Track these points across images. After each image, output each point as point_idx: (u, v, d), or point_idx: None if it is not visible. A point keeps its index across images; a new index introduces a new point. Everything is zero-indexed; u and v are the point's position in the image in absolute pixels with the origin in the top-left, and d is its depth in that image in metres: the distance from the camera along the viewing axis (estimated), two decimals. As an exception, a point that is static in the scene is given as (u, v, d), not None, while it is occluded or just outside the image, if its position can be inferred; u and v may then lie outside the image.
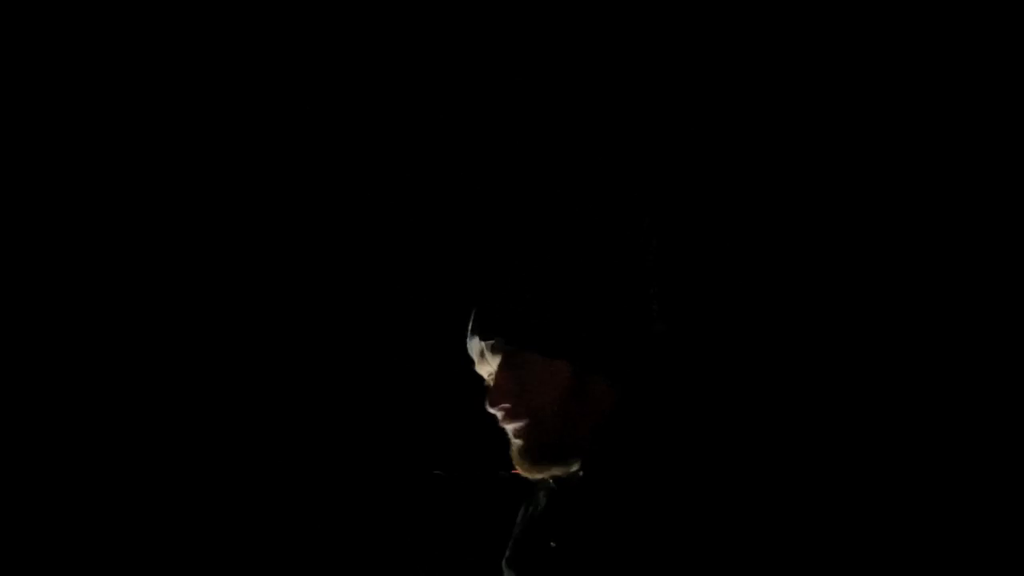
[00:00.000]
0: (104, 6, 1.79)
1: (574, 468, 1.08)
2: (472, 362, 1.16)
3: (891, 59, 1.51)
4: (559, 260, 1.14)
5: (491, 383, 1.10)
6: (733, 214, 1.57)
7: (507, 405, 1.06)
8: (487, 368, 1.11)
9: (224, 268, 1.90)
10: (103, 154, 1.86)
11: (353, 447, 1.83)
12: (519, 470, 1.10)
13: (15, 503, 1.80)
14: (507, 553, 1.14)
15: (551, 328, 1.06)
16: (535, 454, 1.06)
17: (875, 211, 1.50)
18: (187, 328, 1.88)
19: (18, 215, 1.83)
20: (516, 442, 1.08)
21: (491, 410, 1.08)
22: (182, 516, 1.81)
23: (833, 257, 1.51)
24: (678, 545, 0.93)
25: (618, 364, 1.08)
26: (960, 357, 1.42)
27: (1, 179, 1.83)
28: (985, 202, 1.45)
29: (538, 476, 1.10)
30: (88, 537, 1.80)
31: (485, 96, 1.79)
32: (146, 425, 1.84)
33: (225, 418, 1.85)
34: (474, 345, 1.12)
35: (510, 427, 1.08)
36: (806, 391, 1.44)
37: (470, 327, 1.13)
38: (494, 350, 1.08)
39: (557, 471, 1.08)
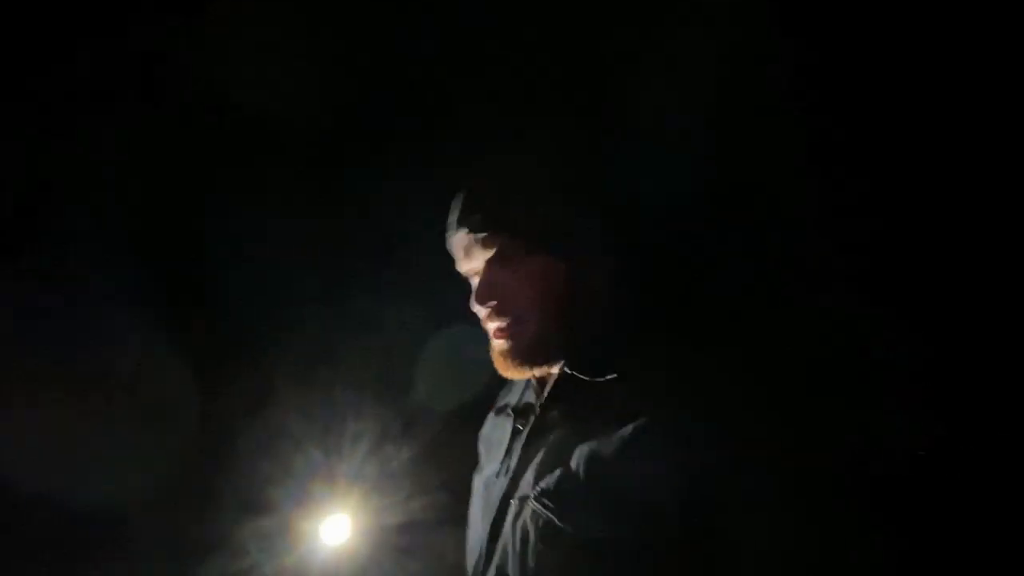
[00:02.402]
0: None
1: (554, 368, 1.09)
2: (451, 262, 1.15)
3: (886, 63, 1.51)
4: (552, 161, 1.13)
5: (475, 280, 1.09)
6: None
7: (493, 303, 1.06)
8: (471, 264, 1.10)
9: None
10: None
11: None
12: (501, 370, 1.11)
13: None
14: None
15: (544, 223, 1.05)
16: (520, 353, 1.07)
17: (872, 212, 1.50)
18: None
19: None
20: (500, 343, 1.08)
21: (477, 308, 1.08)
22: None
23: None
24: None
25: (604, 260, 1.08)
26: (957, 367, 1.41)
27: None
28: (981, 208, 1.45)
29: (519, 376, 1.12)
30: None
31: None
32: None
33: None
34: (458, 239, 1.10)
35: (494, 325, 1.08)
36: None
37: (455, 219, 1.10)
38: (485, 244, 1.06)
39: (538, 371, 1.10)
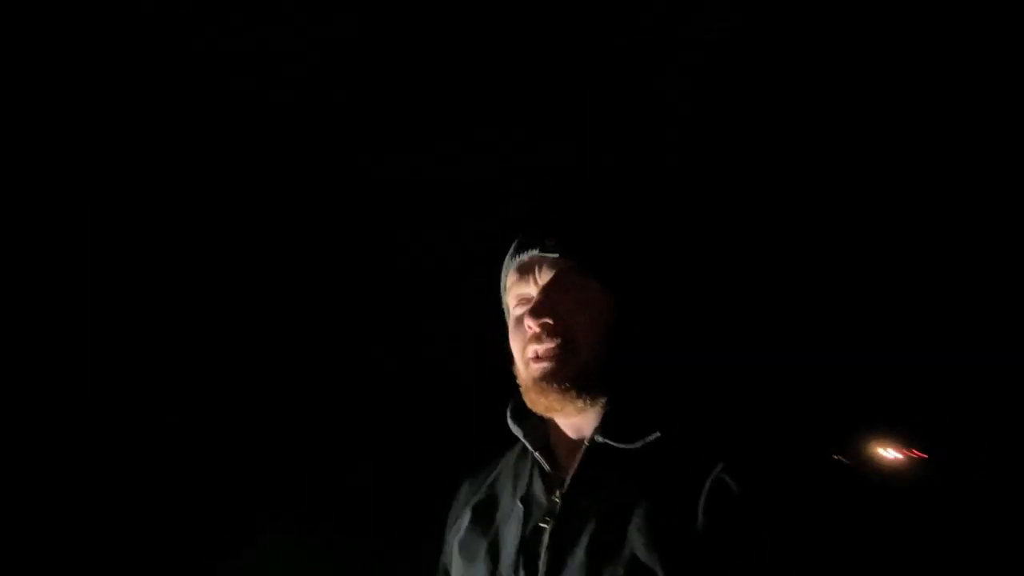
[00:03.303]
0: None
1: (589, 405, 1.00)
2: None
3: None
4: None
5: (528, 306, 1.03)
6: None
7: (548, 321, 1.01)
8: (527, 288, 1.06)
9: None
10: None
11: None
12: (533, 400, 1.03)
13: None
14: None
15: (608, 252, 1.04)
16: (566, 377, 0.99)
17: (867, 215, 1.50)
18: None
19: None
20: (543, 365, 1.01)
21: (531, 323, 1.02)
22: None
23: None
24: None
25: (651, 298, 1.06)
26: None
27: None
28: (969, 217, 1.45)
29: (547, 405, 1.01)
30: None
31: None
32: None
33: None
34: (525, 259, 1.06)
35: (542, 346, 1.02)
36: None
37: (521, 244, 1.08)
38: (553, 264, 1.03)
39: (571, 404, 1.00)
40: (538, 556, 0.95)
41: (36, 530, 1.77)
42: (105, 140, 1.86)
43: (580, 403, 1.00)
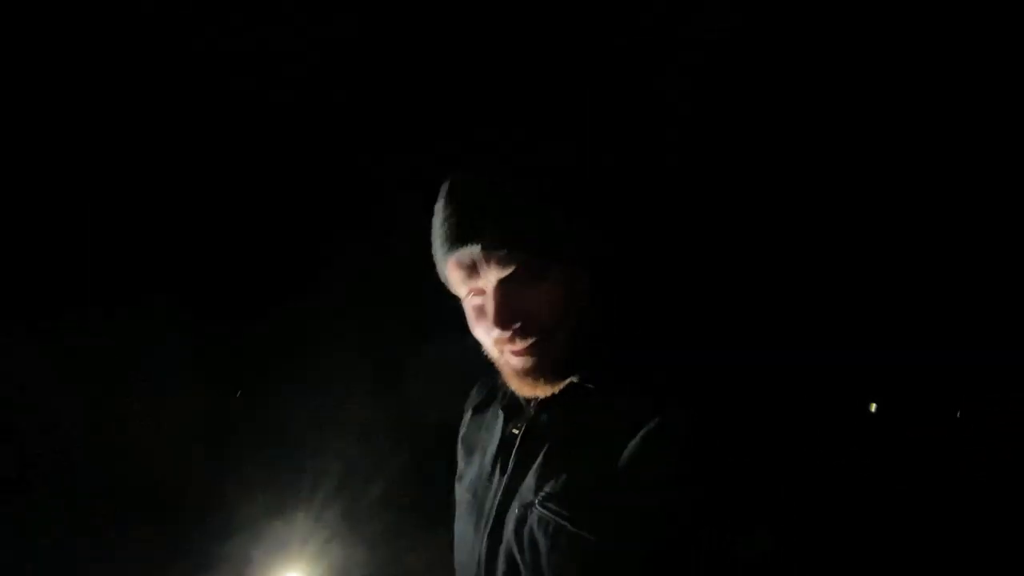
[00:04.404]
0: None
1: (571, 380, 0.99)
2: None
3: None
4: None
5: (484, 301, 0.97)
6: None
7: (518, 324, 0.94)
8: (475, 283, 0.97)
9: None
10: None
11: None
12: (520, 388, 1.01)
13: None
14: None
15: (562, 233, 0.95)
16: (548, 369, 0.97)
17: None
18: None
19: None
20: (521, 360, 0.97)
21: (497, 332, 0.95)
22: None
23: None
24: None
25: (617, 266, 1.00)
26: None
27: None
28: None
29: (541, 394, 1.00)
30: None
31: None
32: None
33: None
34: (462, 256, 0.96)
35: (517, 346, 0.96)
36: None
37: (458, 234, 0.96)
38: (501, 261, 0.93)
39: (557, 386, 0.99)
40: (509, 455, 1.04)
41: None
42: (105, 140, 1.86)
43: (554, 388, 1.00)
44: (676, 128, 1.51)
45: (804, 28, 1.55)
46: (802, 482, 0.89)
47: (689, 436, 0.89)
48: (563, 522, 0.92)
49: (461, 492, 1.14)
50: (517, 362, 0.99)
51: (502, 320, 0.95)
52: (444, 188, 1.00)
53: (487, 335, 1.00)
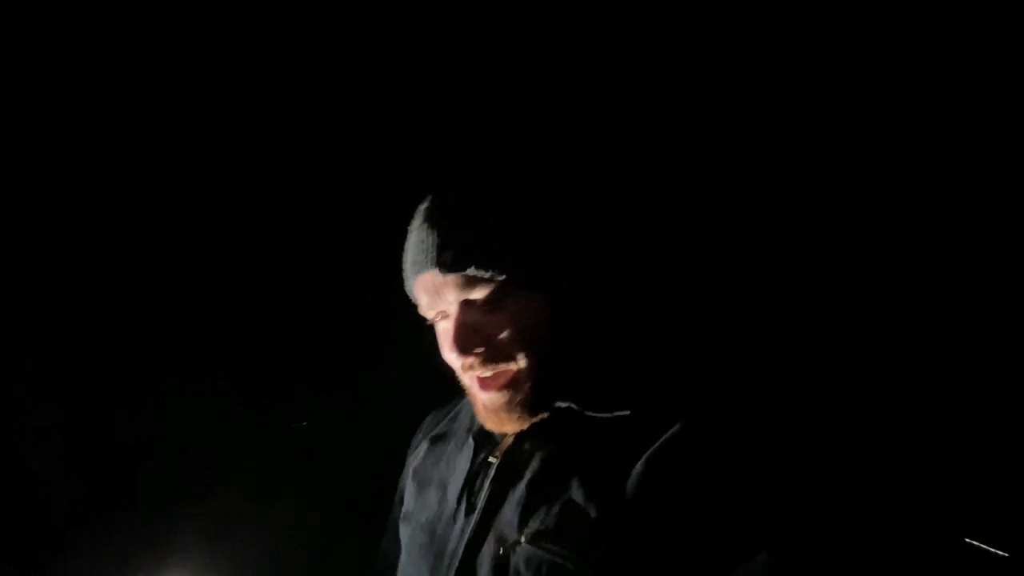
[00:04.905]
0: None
1: (545, 415, 0.95)
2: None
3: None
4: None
5: (449, 325, 0.93)
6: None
7: (480, 349, 0.91)
8: (439, 307, 0.94)
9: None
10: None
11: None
12: (494, 425, 0.97)
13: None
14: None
15: (525, 257, 0.91)
16: (524, 403, 0.92)
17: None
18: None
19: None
20: (493, 395, 0.93)
21: (455, 357, 0.93)
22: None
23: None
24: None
25: (587, 290, 0.95)
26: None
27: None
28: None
29: (505, 428, 0.96)
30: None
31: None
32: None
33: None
34: (424, 281, 0.94)
35: (479, 374, 0.93)
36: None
37: (420, 258, 0.94)
38: (460, 284, 0.90)
39: (527, 422, 0.95)
40: (482, 488, 0.96)
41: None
42: (104, 139, 1.86)
43: (543, 414, 0.96)
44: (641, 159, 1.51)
45: (804, 27, 1.55)
46: (803, 501, 0.85)
47: (696, 459, 0.86)
48: (560, 561, 0.85)
49: (411, 532, 1.05)
50: (486, 397, 0.96)
51: (461, 344, 0.92)
52: (417, 211, 0.99)
53: (452, 359, 0.97)
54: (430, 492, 1.06)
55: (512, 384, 0.93)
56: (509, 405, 0.94)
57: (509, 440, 0.99)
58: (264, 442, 1.77)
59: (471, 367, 0.94)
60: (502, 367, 0.93)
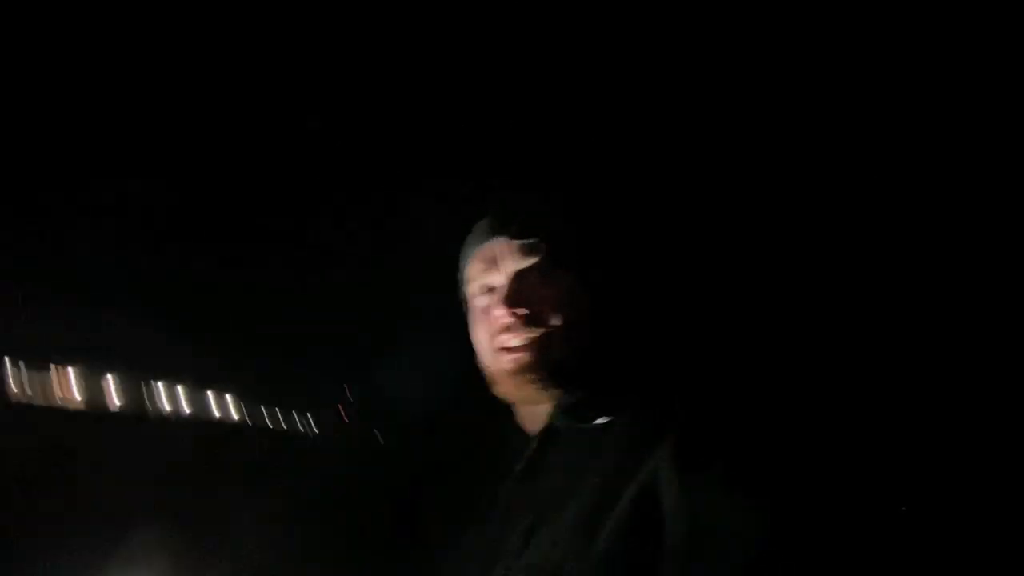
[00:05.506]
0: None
1: (566, 397, 0.98)
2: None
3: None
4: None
5: (499, 291, 0.99)
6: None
7: (524, 311, 0.96)
8: (493, 277, 1.01)
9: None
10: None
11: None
12: (509, 390, 1.00)
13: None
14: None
15: (581, 240, 1.00)
16: (545, 367, 0.96)
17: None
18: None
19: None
20: (519, 356, 0.97)
21: (502, 313, 0.97)
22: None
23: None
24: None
25: (627, 287, 1.01)
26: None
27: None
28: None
29: (523, 397, 1.00)
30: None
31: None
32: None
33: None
34: (490, 248, 1.01)
35: (516, 338, 0.97)
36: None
37: (490, 227, 1.03)
38: (524, 251, 0.98)
39: (549, 395, 0.98)
40: (499, 516, 0.99)
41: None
42: (105, 140, 1.86)
43: (557, 394, 0.98)
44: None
45: (804, 27, 1.55)
46: (803, 501, 0.87)
47: (697, 474, 0.85)
48: None
49: (453, 567, 1.06)
50: (510, 360, 0.98)
51: (510, 300, 0.97)
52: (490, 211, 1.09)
53: (487, 334, 1.01)
54: (470, 518, 1.11)
55: (539, 347, 0.97)
56: (535, 365, 0.97)
57: (533, 447, 1.01)
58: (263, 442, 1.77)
59: (508, 329, 0.97)
60: (534, 334, 0.97)
